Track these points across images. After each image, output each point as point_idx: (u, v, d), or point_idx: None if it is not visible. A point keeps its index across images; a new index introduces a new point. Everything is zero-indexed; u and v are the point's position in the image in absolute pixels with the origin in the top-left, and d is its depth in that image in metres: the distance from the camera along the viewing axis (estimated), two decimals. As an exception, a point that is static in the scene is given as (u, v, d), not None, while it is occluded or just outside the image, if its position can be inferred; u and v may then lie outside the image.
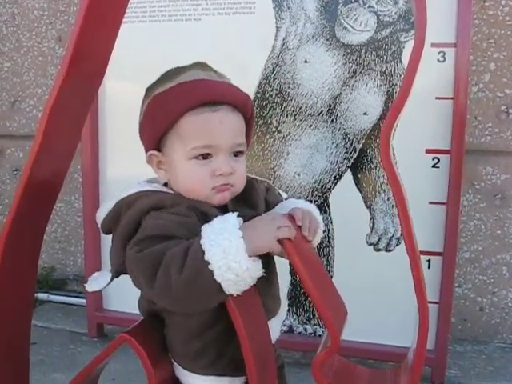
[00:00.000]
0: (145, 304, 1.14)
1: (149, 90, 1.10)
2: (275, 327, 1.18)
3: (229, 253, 0.91)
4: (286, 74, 2.04)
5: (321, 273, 1.06)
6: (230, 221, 0.95)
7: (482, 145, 2.34)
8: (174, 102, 1.02)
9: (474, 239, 2.39)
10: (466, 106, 1.94)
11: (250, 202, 1.11)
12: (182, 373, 1.12)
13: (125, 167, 2.28)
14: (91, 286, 1.12)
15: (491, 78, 2.32)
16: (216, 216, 1.00)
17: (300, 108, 2.04)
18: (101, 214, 1.09)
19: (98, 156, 2.31)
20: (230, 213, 0.97)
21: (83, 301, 2.54)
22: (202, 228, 0.95)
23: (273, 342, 1.16)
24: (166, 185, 1.12)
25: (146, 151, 1.09)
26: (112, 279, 1.10)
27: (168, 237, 0.96)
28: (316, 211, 1.16)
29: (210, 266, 0.91)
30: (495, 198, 2.36)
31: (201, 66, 1.08)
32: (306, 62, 2.03)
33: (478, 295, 2.43)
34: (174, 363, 1.12)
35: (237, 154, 1.06)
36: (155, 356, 1.12)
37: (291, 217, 1.06)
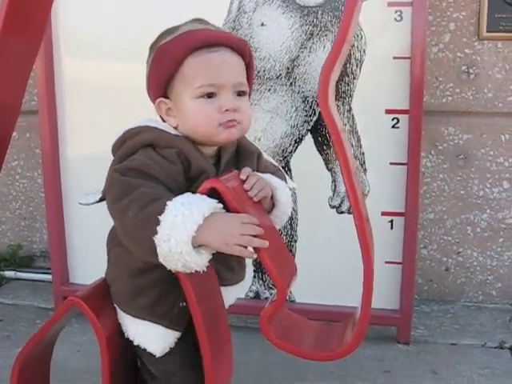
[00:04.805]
0: (109, 237, 1.20)
1: (152, 46, 1.15)
2: (231, 294, 1.20)
3: (175, 228, 0.94)
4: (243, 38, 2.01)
5: (269, 229, 1.05)
6: (204, 204, 0.96)
7: (444, 105, 2.34)
8: (175, 48, 1.08)
9: (437, 200, 2.41)
10: (423, 66, 1.93)
11: (239, 168, 1.14)
12: (120, 315, 1.16)
13: (84, 142, 2.25)
14: (81, 199, 1.23)
15: (451, 38, 2.31)
16: (202, 169, 1.07)
17: (258, 72, 2.01)
18: (113, 141, 1.15)
19: (57, 131, 2.26)
20: (215, 200, 0.98)
21: (50, 277, 2.51)
22: (186, 193, 0.99)
23: (226, 307, 1.18)
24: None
25: (154, 101, 1.14)
26: (101, 200, 1.16)
27: (148, 175, 1.02)
28: (282, 191, 1.16)
29: (158, 227, 0.94)
30: (458, 159, 2.37)
31: (198, 20, 1.15)
32: (262, 25, 2.00)
33: (444, 256, 2.45)
34: (117, 310, 1.17)
35: (240, 93, 1.11)
36: (106, 318, 1.12)
37: (237, 173, 1.09)
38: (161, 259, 0.97)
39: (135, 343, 1.15)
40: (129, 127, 1.12)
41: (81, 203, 1.21)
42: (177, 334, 1.15)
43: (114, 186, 1.03)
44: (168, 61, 1.09)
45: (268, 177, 1.14)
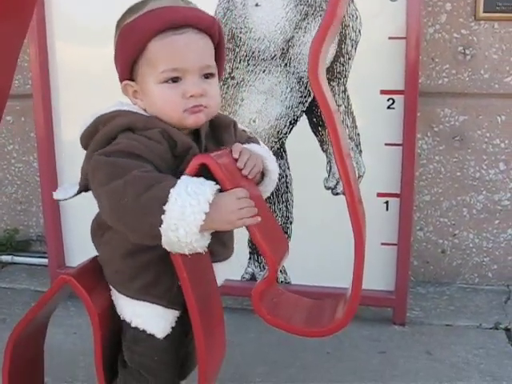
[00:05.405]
0: (94, 222, 1.17)
1: (118, 24, 1.12)
2: (221, 272, 1.19)
3: (185, 219, 0.92)
4: (237, 19, 2.00)
5: (261, 207, 1.05)
6: (208, 190, 0.95)
7: (440, 87, 2.33)
8: (139, 30, 1.04)
9: (434, 182, 2.40)
10: (419, 46, 1.91)
11: (220, 141, 1.15)
12: (116, 296, 1.14)
13: (79, 126, 2.24)
14: (57, 194, 1.18)
15: (447, 18, 2.29)
16: (188, 145, 1.05)
17: (253, 53, 2.00)
18: (81, 130, 1.12)
19: (52, 115, 2.25)
20: (212, 182, 0.97)
21: (47, 261, 2.51)
22: (182, 177, 0.97)
23: (218, 285, 1.17)
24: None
25: (121, 82, 1.12)
26: (79, 192, 1.14)
27: (136, 156, 1.00)
28: (270, 160, 1.17)
29: (162, 216, 0.93)
30: (454, 140, 2.36)
31: None
32: (257, 5, 1.98)
33: (440, 237, 2.45)
34: (112, 291, 1.15)
35: (207, 76, 1.08)
36: (98, 295, 1.12)
37: (230, 151, 1.07)
38: (165, 246, 0.96)
39: (132, 325, 1.13)
40: (99, 113, 1.09)
41: (58, 199, 1.18)
42: (176, 313, 1.14)
43: (101, 168, 1.01)
44: (132, 43, 1.06)
45: (254, 147, 1.13)
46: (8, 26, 1.16)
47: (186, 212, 0.92)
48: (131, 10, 1.09)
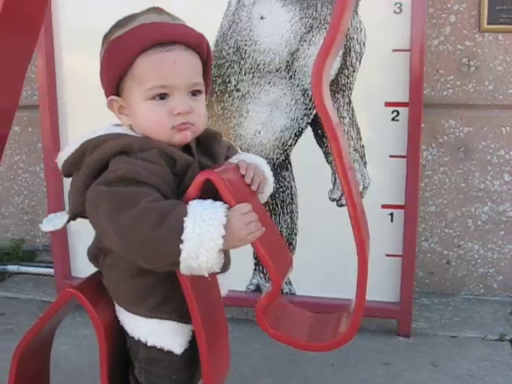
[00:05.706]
0: (93, 247, 1.15)
1: (105, 38, 1.10)
2: (223, 282, 1.19)
3: (204, 246, 0.92)
4: (242, 32, 2.01)
5: (265, 221, 1.06)
6: (221, 212, 0.95)
7: (444, 98, 2.34)
8: (127, 45, 1.03)
9: (438, 193, 2.41)
10: (423, 58, 1.93)
11: (211, 153, 1.14)
12: (124, 315, 1.12)
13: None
14: (46, 226, 1.13)
15: (452, 30, 2.30)
16: (187, 162, 1.04)
17: (258, 65, 2.02)
18: (62, 157, 1.09)
19: (58, 126, 2.27)
20: (221, 203, 0.97)
21: (53, 271, 2.53)
22: (191, 204, 0.96)
23: (222, 296, 1.17)
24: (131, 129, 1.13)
25: (107, 98, 1.10)
26: (68, 221, 1.11)
27: (140, 182, 0.97)
28: (266, 166, 1.18)
29: (181, 245, 0.92)
30: (459, 151, 2.37)
31: (155, 10, 1.09)
32: (262, 18, 2.00)
33: (445, 248, 2.45)
34: (119, 308, 1.13)
35: (195, 93, 1.08)
36: (103, 308, 1.12)
37: (236, 166, 1.08)
38: (183, 271, 0.95)
39: (149, 344, 1.10)
40: (86, 138, 1.06)
41: (47, 231, 1.13)
42: (190, 327, 1.11)
43: (104, 200, 0.97)
44: (120, 58, 1.04)
45: (250, 157, 1.15)
46: (17, 40, 1.18)
47: (205, 239, 0.92)
48: (119, 25, 1.07)
